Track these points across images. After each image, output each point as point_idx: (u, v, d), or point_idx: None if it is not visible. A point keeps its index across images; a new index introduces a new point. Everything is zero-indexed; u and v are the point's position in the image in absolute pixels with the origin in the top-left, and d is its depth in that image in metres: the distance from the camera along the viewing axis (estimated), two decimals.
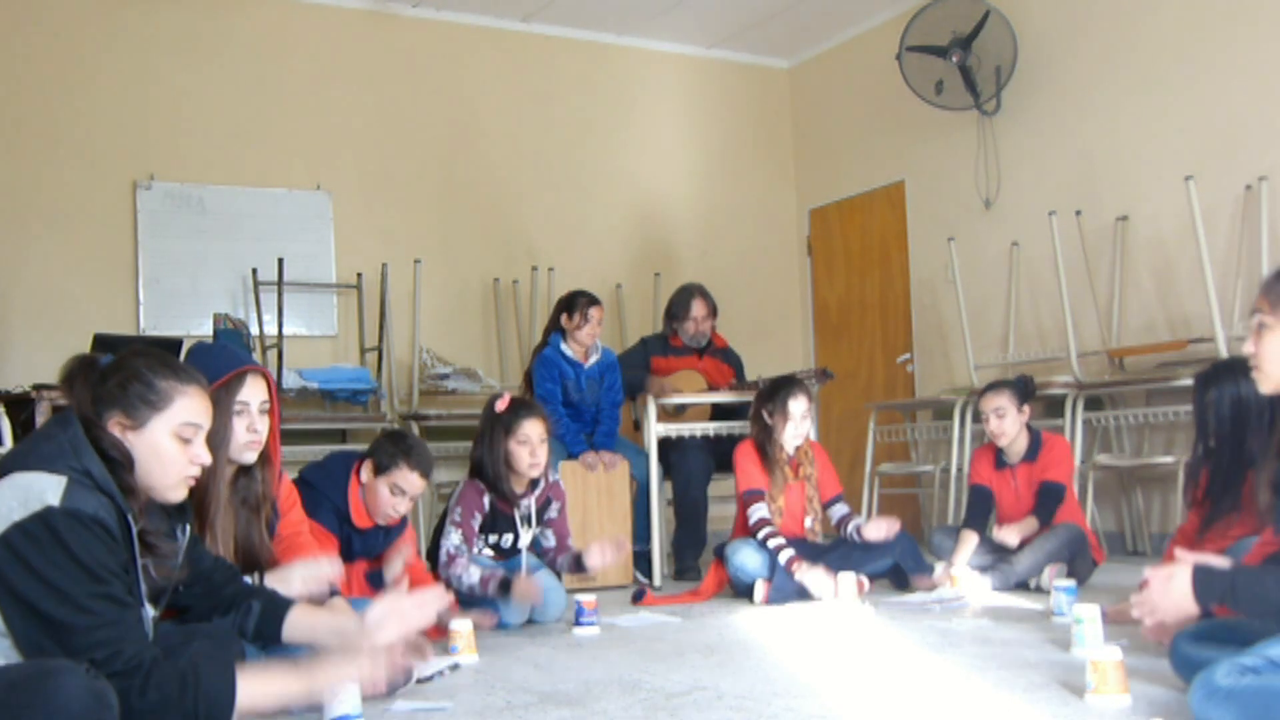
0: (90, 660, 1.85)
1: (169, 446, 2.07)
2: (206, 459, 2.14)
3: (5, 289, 5.64)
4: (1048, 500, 4.48)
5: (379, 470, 3.57)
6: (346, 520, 3.57)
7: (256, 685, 1.98)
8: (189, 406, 2.10)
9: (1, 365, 5.45)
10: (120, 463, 2.01)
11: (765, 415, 4.61)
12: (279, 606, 2.38)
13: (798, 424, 4.56)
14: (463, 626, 3.35)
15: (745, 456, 4.61)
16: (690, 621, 3.98)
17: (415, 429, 6.14)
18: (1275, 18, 5.16)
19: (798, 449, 4.64)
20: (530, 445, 4.06)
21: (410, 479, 3.57)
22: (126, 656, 1.89)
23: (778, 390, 4.62)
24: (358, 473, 3.63)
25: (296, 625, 2.33)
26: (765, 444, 4.60)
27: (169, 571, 2.15)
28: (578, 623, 3.81)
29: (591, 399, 5.29)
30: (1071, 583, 3.70)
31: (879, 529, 4.50)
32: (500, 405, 4.12)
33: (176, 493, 2.12)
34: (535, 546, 4.33)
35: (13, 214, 5.71)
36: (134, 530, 2.01)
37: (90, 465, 1.96)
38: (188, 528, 2.25)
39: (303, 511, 3.11)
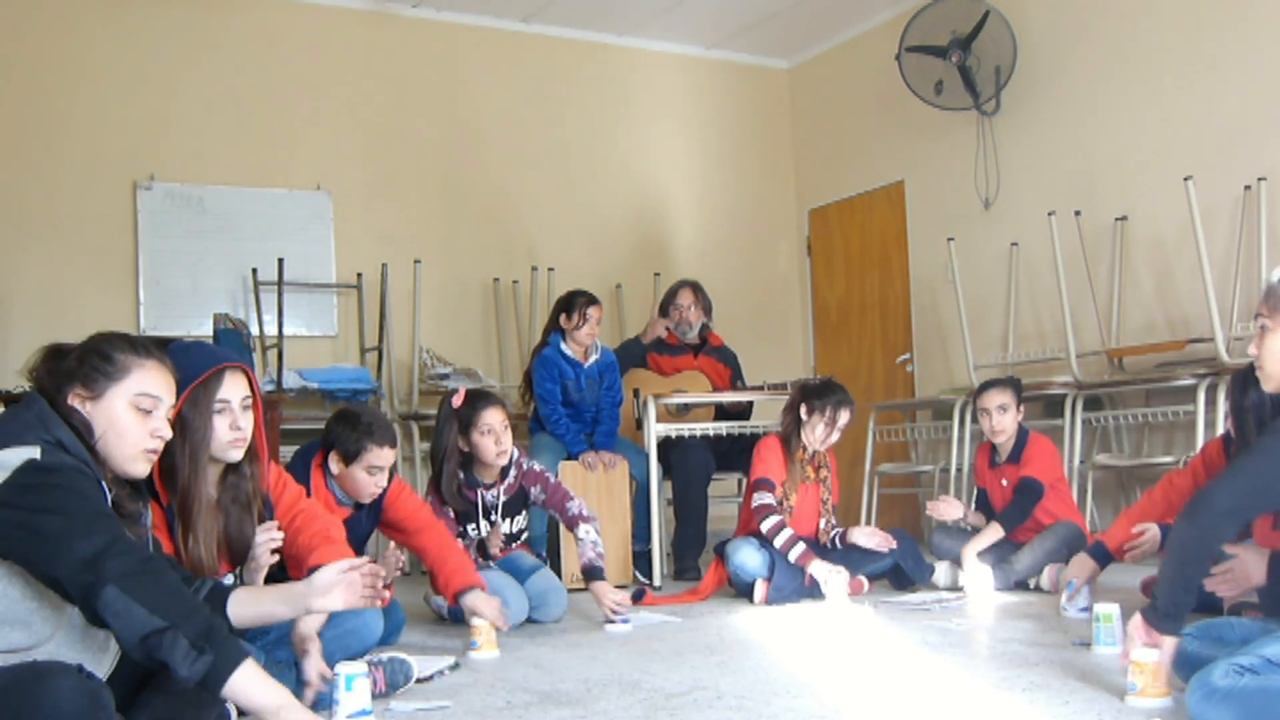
0: (93, 555, 1.86)
1: (126, 417, 2.10)
2: (166, 433, 2.17)
3: (5, 289, 5.65)
4: (1022, 499, 4.48)
5: (349, 459, 3.50)
6: None
7: (248, 604, 2.22)
8: (145, 378, 2.13)
9: (1, 365, 5.46)
10: (81, 431, 2.04)
11: (804, 411, 4.53)
12: (223, 588, 2.31)
13: (835, 434, 4.52)
14: (482, 623, 3.39)
15: (768, 449, 4.54)
16: (690, 621, 3.99)
17: (415, 429, 6.16)
18: (1275, 18, 5.16)
19: (818, 451, 4.63)
20: (494, 434, 4.05)
21: (383, 455, 3.52)
22: (129, 542, 1.94)
23: (829, 393, 4.53)
24: (319, 466, 3.57)
25: (242, 603, 2.24)
26: (791, 439, 4.54)
27: (142, 533, 2.16)
28: (611, 620, 3.83)
29: (591, 399, 5.29)
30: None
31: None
32: (456, 400, 4.09)
33: (136, 465, 2.14)
34: (535, 546, 4.33)
35: (13, 214, 5.71)
36: (108, 496, 2.02)
37: (61, 435, 2.00)
38: (149, 504, 2.24)
39: (296, 490, 3.05)
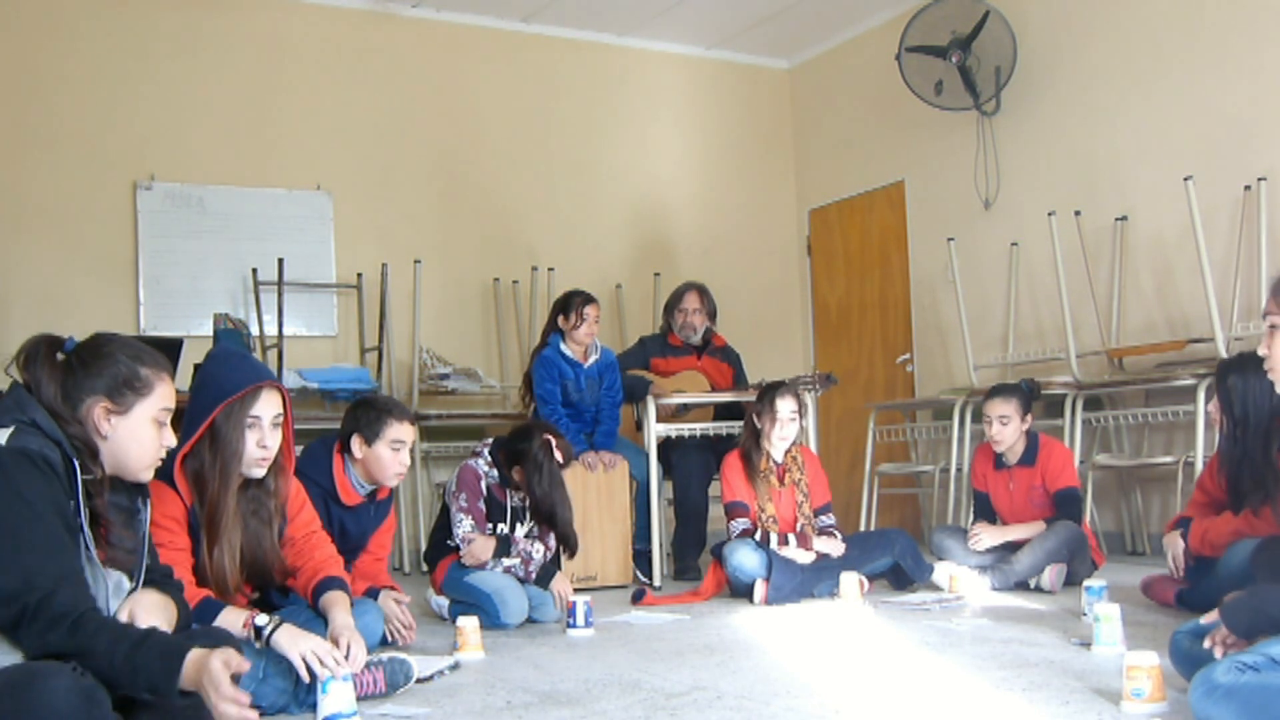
0: (24, 603, 1.83)
1: (148, 431, 2.16)
2: (173, 441, 2.22)
3: (5, 289, 5.64)
4: (1068, 508, 4.49)
5: (371, 438, 3.55)
6: (335, 500, 3.56)
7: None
8: (165, 393, 2.19)
9: (0, 365, 5.45)
10: (84, 451, 2.06)
11: (756, 419, 4.64)
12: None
13: (785, 425, 4.59)
14: (467, 624, 3.38)
15: (730, 468, 4.66)
16: (690, 621, 3.99)
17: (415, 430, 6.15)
18: (1275, 18, 5.16)
19: (786, 455, 4.65)
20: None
21: (404, 429, 3.59)
22: (60, 599, 1.86)
23: (765, 393, 4.67)
24: (340, 452, 3.61)
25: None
26: (752, 451, 4.63)
27: (132, 536, 2.17)
28: (571, 624, 3.81)
29: (591, 399, 5.29)
30: (1101, 583, 3.66)
31: (826, 545, 4.55)
32: (560, 455, 4.09)
33: (148, 474, 2.20)
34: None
35: (13, 214, 5.71)
36: (79, 478, 2.02)
37: (35, 415, 2.02)
38: (148, 502, 2.25)
39: (313, 510, 3.09)
